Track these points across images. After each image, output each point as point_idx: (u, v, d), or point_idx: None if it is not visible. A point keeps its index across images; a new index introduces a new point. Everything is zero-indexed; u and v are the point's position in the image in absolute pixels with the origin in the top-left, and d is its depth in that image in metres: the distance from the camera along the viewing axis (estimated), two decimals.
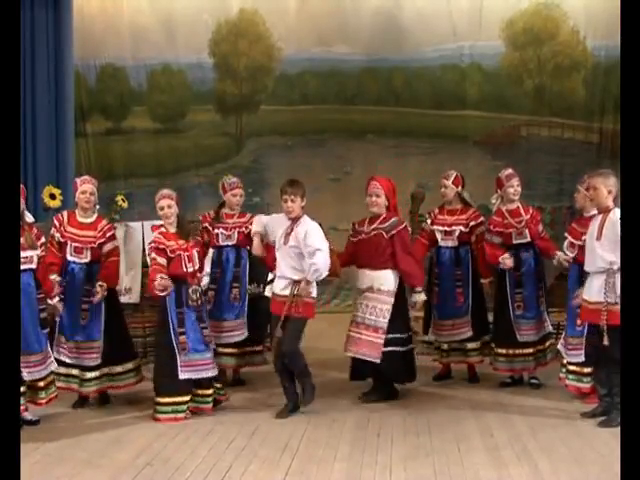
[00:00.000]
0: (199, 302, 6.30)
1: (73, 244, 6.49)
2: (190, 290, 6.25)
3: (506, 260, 6.81)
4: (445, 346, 7.22)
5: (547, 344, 7.00)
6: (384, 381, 6.74)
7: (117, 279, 6.79)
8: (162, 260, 6.21)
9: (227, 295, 7.12)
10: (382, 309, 6.51)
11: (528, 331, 6.93)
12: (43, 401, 6.11)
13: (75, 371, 6.52)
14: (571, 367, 6.47)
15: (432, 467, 5.03)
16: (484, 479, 4.85)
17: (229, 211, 7.24)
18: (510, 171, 6.99)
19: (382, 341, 6.49)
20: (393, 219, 6.60)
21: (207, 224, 7.23)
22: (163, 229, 6.35)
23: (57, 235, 6.51)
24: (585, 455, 5.21)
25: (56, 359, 6.32)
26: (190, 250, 6.31)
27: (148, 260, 6.53)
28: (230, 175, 7.78)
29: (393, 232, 6.55)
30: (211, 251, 7.31)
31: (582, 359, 6.27)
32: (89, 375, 6.52)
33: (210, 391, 6.35)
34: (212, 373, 6.32)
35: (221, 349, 7.05)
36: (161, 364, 6.31)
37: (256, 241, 6.59)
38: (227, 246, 7.16)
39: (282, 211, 6.39)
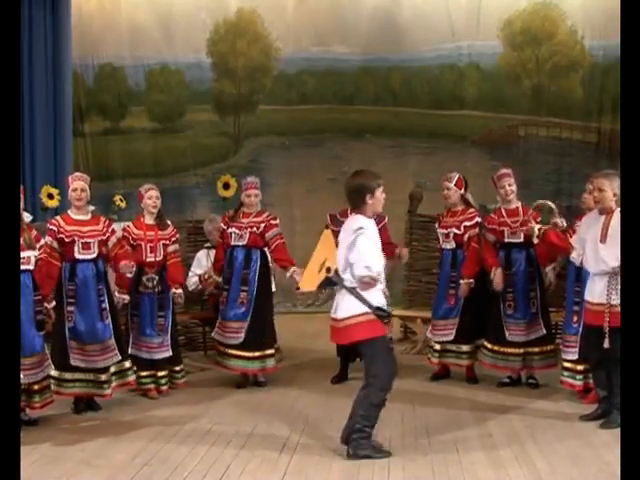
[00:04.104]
0: (155, 290, 6.81)
1: (80, 241, 6.36)
2: (144, 278, 6.78)
3: (496, 276, 6.85)
4: (437, 346, 7.21)
5: (537, 349, 6.93)
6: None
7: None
8: (127, 247, 6.68)
9: (235, 297, 7.06)
10: None
11: (516, 331, 6.93)
12: (38, 405, 6.03)
13: (90, 375, 6.42)
14: (566, 364, 6.49)
15: (430, 467, 5.04)
16: (482, 479, 4.86)
17: (247, 210, 7.16)
18: (503, 171, 6.97)
19: None
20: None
21: (224, 224, 7.17)
22: (141, 218, 6.87)
23: (54, 242, 6.31)
24: (583, 455, 5.21)
25: (71, 365, 6.34)
26: (156, 242, 6.79)
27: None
28: (229, 175, 7.84)
29: (380, 225, 6.69)
30: (203, 251, 8.01)
31: (575, 356, 6.33)
32: (104, 377, 6.42)
33: (163, 372, 6.89)
34: (159, 356, 6.83)
35: (228, 350, 7.09)
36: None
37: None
38: (237, 246, 7.07)
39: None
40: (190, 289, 7.83)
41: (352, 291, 5.14)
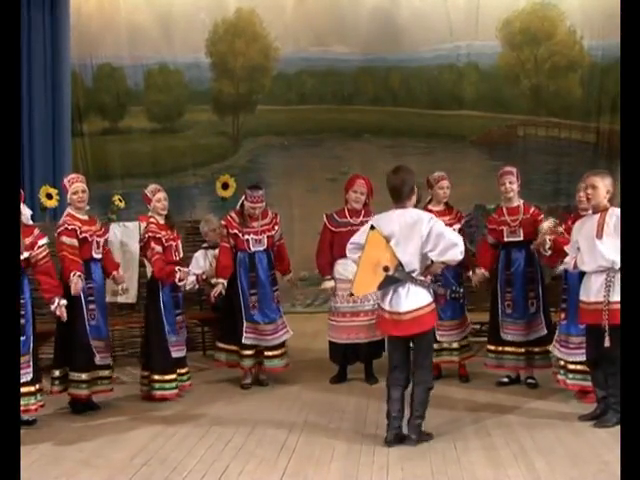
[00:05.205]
0: (183, 288, 6.93)
1: (96, 240, 6.44)
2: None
3: (477, 276, 7.02)
4: (455, 345, 7.20)
5: (537, 349, 6.89)
6: (368, 361, 7.28)
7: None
8: (160, 249, 6.67)
9: (269, 298, 7.14)
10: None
11: (514, 331, 6.92)
12: None
13: (97, 373, 6.49)
14: (572, 366, 6.38)
15: (429, 467, 5.03)
16: (481, 479, 4.86)
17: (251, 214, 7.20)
18: (505, 169, 6.98)
19: None
20: (374, 213, 6.88)
21: (236, 231, 7.10)
22: (153, 219, 6.77)
23: (75, 240, 6.27)
24: (582, 455, 5.20)
25: (95, 364, 6.39)
26: (176, 240, 6.87)
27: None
28: (228, 175, 7.79)
29: None
30: (201, 252, 8.01)
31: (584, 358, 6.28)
32: (107, 373, 6.58)
33: (185, 369, 6.93)
34: (182, 354, 6.89)
35: (266, 352, 7.14)
36: (153, 344, 6.78)
37: None
38: (259, 251, 7.12)
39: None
40: (187, 288, 7.81)
41: (422, 283, 5.30)
